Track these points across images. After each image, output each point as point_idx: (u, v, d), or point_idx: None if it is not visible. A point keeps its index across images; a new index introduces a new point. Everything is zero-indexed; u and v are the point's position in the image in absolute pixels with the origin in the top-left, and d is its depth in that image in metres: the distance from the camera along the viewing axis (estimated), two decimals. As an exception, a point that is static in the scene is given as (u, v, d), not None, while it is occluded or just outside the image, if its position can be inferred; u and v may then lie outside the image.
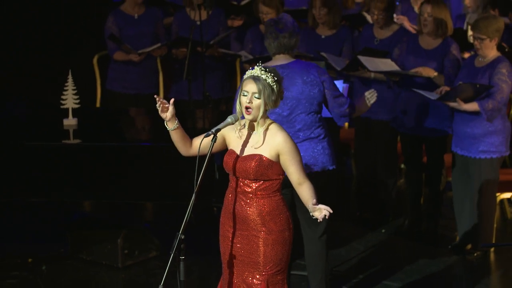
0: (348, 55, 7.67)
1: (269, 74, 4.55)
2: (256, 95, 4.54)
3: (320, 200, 5.85)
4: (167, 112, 4.61)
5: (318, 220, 4.49)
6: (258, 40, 7.93)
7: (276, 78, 4.56)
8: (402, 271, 6.76)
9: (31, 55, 9.23)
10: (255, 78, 4.54)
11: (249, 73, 4.58)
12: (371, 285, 6.52)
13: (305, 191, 4.65)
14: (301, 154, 5.66)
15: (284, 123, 5.68)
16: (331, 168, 5.87)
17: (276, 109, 5.64)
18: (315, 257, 6.01)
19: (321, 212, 4.47)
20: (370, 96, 6.06)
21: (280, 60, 5.83)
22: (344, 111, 5.86)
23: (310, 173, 5.74)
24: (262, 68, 4.57)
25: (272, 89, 4.55)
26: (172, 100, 4.60)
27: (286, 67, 5.77)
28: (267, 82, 4.53)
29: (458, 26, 7.87)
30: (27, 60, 9.21)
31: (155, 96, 4.62)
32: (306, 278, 6.45)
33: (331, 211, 4.46)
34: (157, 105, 4.59)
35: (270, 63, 5.82)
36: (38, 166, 6.09)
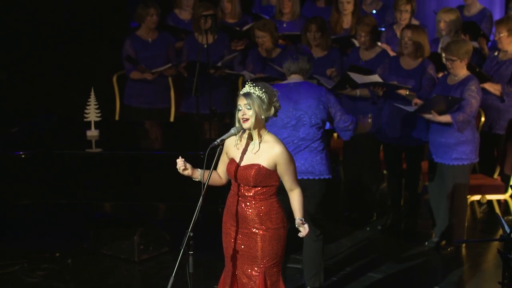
0: (338, 74, 7.71)
1: (257, 87, 4.62)
2: (248, 106, 4.60)
3: (317, 204, 5.89)
4: (187, 170, 4.69)
5: (299, 235, 4.63)
6: (258, 61, 7.96)
7: (264, 90, 4.63)
8: (384, 264, 6.78)
9: (59, 75, 9.25)
10: (245, 94, 4.62)
11: (241, 91, 4.67)
12: (357, 277, 6.54)
13: (295, 199, 4.75)
14: (302, 162, 5.81)
15: (291, 131, 5.83)
16: (327, 177, 5.92)
17: (286, 118, 5.79)
18: (313, 253, 6.03)
19: (304, 230, 4.61)
20: (371, 121, 6.29)
21: (294, 79, 5.96)
22: (347, 127, 5.96)
23: (308, 179, 5.85)
24: (251, 84, 4.64)
25: (262, 99, 4.60)
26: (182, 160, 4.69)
27: (299, 84, 5.91)
28: (256, 95, 4.60)
29: (433, 49, 7.92)
30: (56, 79, 9.19)
31: (178, 159, 4.66)
32: (300, 271, 6.46)
33: (308, 231, 4.63)
34: (179, 166, 4.66)
35: (286, 81, 5.97)
36: (65, 171, 6.11)
